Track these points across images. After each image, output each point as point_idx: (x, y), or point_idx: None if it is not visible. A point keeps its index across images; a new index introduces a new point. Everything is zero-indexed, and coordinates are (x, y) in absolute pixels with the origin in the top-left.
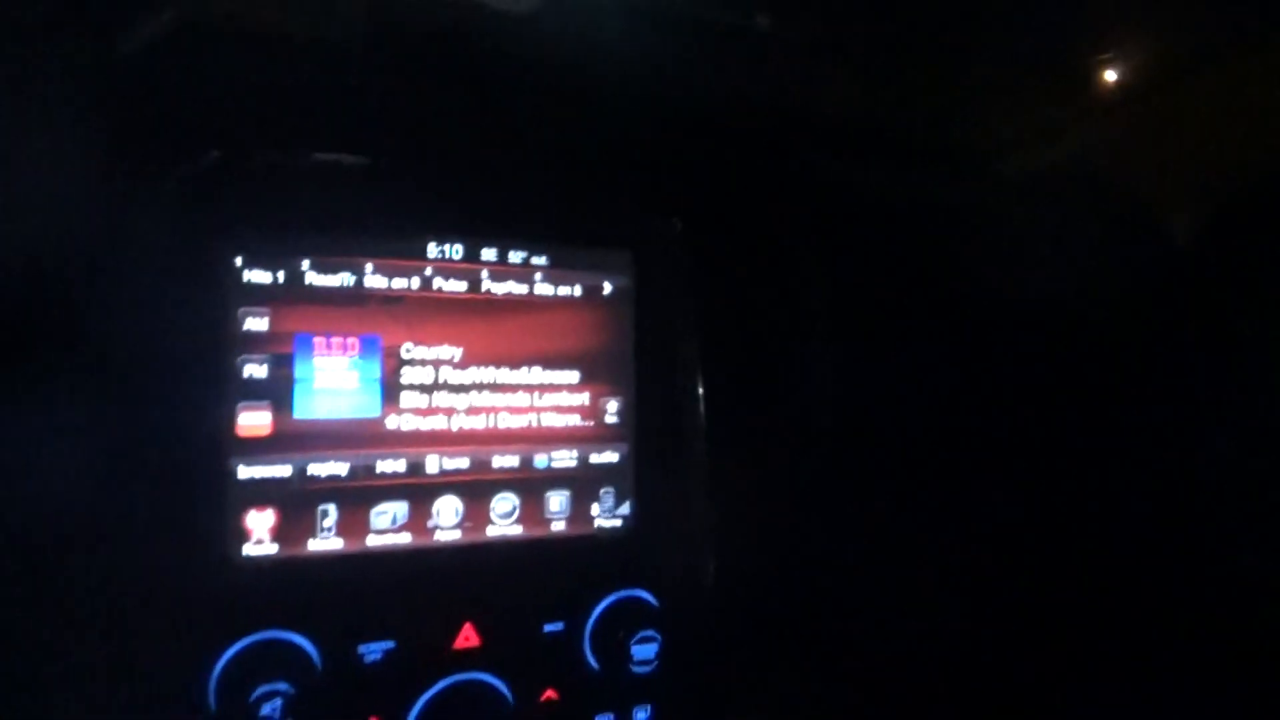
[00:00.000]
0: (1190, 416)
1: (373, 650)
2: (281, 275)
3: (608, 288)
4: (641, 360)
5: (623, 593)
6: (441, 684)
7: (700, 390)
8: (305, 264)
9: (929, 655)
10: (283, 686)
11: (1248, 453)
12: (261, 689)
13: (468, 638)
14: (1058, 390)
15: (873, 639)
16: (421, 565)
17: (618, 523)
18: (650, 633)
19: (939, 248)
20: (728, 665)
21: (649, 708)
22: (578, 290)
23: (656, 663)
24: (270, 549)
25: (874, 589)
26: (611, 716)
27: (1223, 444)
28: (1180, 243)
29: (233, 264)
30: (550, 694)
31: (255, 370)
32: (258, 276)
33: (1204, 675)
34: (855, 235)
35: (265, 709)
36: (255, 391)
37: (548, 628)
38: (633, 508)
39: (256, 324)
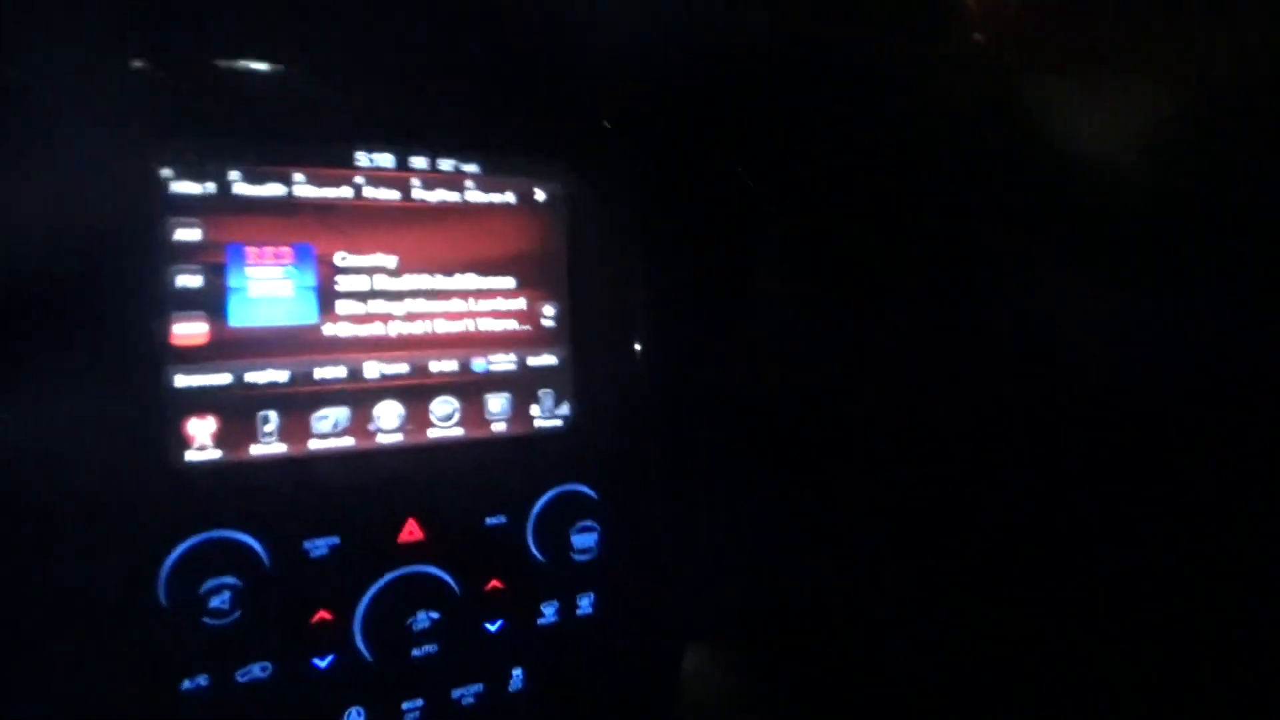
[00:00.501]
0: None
1: (318, 546)
2: (211, 186)
3: (541, 194)
4: (577, 265)
5: (562, 487)
6: (388, 577)
7: (637, 294)
8: (234, 174)
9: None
10: (231, 580)
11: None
12: (210, 583)
13: (412, 532)
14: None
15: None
16: (364, 466)
17: (557, 422)
18: (589, 523)
19: (875, 161)
20: (665, 553)
21: (592, 594)
22: (510, 197)
23: (597, 550)
24: (213, 454)
25: (803, 488)
26: (556, 604)
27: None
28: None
29: (160, 176)
30: (496, 584)
31: (189, 280)
32: (186, 187)
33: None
34: (792, 144)
35: (215, 601)
36: (190, 301)
37: (490, 521)
38: (571, 408)
39: (188, 234)
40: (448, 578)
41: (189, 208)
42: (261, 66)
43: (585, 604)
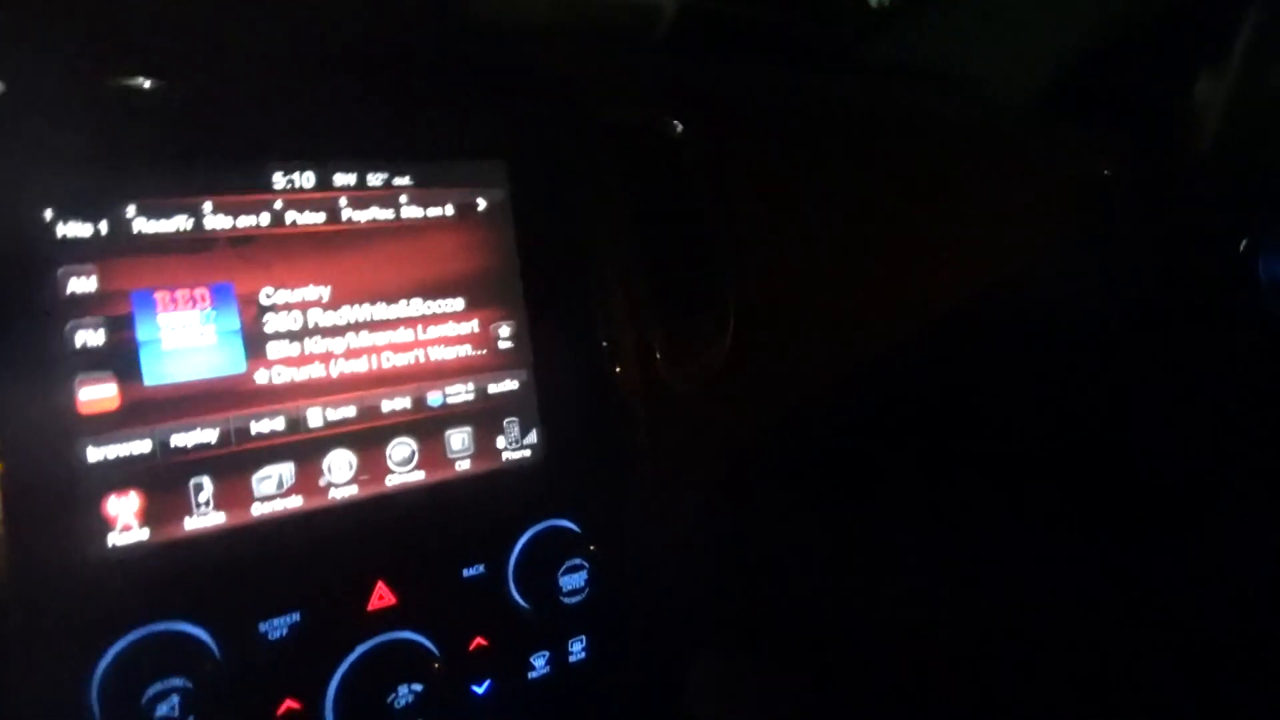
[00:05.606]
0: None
1: (276, 626)
2: (105, 225)
3: (483, 203)
4: (530, 278)
5: (542, 524)
6: (359, 650)
7: (600, 299)
8: (131, 209)
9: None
10: (178, 682)
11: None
12: (154, 688)
13: (382, 597)
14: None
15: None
16: (319, 528)
17: (526, 453)
18: (577, 560)
19: (829, 153)
20: (660, 587)
21: (584, 639)
22: (450, 210)
23: (587, 590)
24: (141, 535)
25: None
26: (547, 654)
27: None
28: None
29: (42, 218)
30: (480, 641)
31: (90, 337)
32: (75, 229)
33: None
34: (742, 133)
35: (161, 709)
36: (94, 361)
37: (467, 572)
38: (540, 435)
39: (82, 284)
40: (427, 642)
41: (81, 252)
42: (151, 82)
43: (578, 649)
